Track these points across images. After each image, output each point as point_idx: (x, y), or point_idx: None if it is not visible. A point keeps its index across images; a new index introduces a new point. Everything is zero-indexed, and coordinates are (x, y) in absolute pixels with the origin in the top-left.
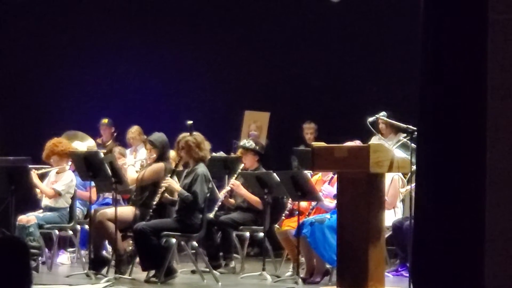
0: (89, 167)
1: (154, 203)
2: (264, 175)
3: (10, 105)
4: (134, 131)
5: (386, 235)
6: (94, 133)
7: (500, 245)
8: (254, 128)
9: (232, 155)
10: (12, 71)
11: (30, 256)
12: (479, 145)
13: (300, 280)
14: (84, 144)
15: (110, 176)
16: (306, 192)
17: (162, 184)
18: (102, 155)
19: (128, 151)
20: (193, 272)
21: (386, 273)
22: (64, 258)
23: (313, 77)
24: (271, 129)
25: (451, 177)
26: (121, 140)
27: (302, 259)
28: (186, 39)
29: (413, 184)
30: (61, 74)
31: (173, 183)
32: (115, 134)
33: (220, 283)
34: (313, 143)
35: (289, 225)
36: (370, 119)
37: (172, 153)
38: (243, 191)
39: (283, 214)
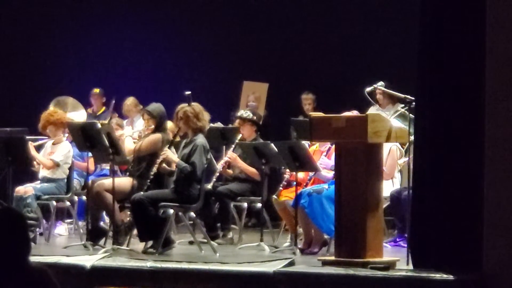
0: (86, 137)
1: (152, 173)
2: (261, 145)
3: (4, 76)
4: (130, 103)
5: (384, 206)
6: (88, 103)
7: (499, 217)
8: (253, 98)
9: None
10: (6, 42)
11: (27, 227)
12: (477, 115)
13: (298, 250)
14: (78, 113)
15: (107, 146)
16: (304, 162)
17: (161, 156)
18: (99, 125)
19: (124, 122)
20: (190, 243)
21: (384, 244)
22: (61, 229)
23: (311, 47)
24: (270, 100)
25: (450, 148)
26: (117, 111)
27: (300, 230)
28: (184, 9)
29: (411, 155)
30: (58, 45)
31: (171, 154)
32: (113, 102)
33: (218, 254)
34: (311, 113)
35: (287, 195)
36: (368, 89)
37: (169, 124)
38: (241, 163)
39: (281, 185)
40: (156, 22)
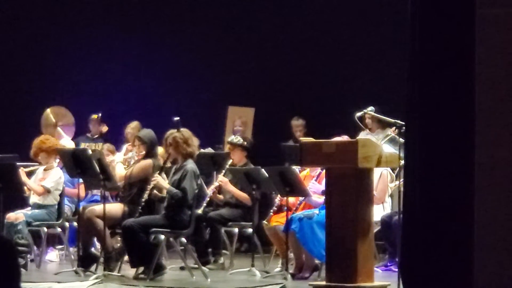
0: (77, 163)
1: (143, 200)
2: (252, 170)
3: None
4: (134, 126)
5: (375, 230)
6: (82, 130)
7: (489, 241)
8: (239, 123)
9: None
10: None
11: (17, 255)
12: (468, 138)
13: (289, 275)
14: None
15: (98, 173)
16: (295, 187)
17: (151, 182)
18: (90, 151)
19: (125, 147)
20: (182, 268)
21: (375, 268)
22: (52, 255)
23: (299, 72)
24: (256, 125)
25: (440, 172)
26: (111, 136)
27: (291, 255)
28: (170, 35)
29: (402, 179)
30: (50, 70)
31: (161, 180)
32: (103, 130)
33: (209, 279)
34: (301, 138)
35: (277, 220)
36: (358, 114)
37: (160, 150)
38: (231, 188)
39: (272, 210)
40: (142, 47)
